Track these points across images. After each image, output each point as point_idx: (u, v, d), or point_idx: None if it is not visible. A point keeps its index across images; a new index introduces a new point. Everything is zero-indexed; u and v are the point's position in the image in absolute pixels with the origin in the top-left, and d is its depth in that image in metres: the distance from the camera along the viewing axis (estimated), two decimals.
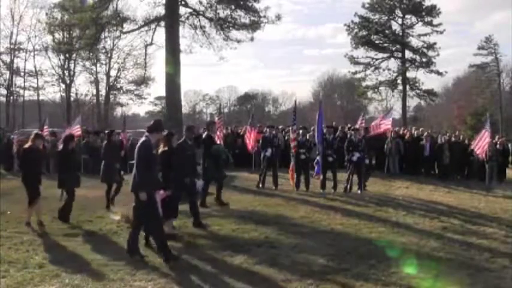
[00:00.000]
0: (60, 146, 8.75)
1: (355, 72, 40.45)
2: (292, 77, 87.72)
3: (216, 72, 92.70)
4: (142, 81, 40.74)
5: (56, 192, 9.13)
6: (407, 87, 39.24)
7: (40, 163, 8.42)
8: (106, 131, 11.64)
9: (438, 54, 38.12)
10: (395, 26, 39.15)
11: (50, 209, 9.45)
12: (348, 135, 14.10)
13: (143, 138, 5.97)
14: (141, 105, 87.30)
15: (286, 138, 15.91)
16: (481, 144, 14.27)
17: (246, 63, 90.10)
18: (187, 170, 7.61)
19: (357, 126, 15.30)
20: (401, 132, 18.07)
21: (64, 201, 8.49)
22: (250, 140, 16.02)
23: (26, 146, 8.16)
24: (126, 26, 19.04)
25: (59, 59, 41.63)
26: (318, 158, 11.84)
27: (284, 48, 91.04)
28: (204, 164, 9.69)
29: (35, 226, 7.80)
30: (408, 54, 39.15)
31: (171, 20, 17.02)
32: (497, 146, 15.73)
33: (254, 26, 18.51)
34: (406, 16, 38.59)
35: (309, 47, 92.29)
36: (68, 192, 8.49)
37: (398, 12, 38.72)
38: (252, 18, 18.44)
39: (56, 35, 35.48)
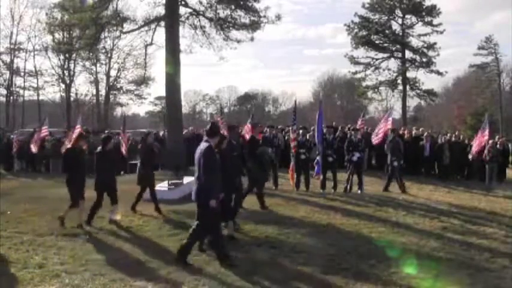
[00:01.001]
0: (99, 147, 8.36)
1: (355, 72, 40.47)
2: (292, 77, 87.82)
3: (216, 72, 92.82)
4: (142, 81, 40.77)
5: (54, 191, 9.13)
6: (407, 87, 39.24)
7: (84, 164, 8.06)
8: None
9: (438, 54, 38.15)
10: (396, 26, 39.19)
11: (50, 208, 9.49)
12: (348, 135, 14.11)
13: (205, 144, 5.76)
14: (141, 105, 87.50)
15: (286, 138, 15.90)
16: (477, 143, 14.37)
17: (246, 63, 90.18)
18: (236, 171, 7.37)
19: (357, 126, 15.29)
20: (401, 132, 18.06)
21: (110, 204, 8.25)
22: (247, 135, 16.02)
23: (69, 146, 7.92)
24: (126, 26, 19.11)
25: (59, 59, 41.66)
26: (318, 158, 11.83)
27: (284, 48, 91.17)
28: (247, 165, 9.11)
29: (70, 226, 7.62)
30: (408, 54, 39.16)
31: (171, 20, 17.05)
32: (498, 145, 15.72)
33: (254, 26, 18.54)
34: (406, 16, 38.59)
35: (309, 47, 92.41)
36: (109, 194, 8.28)
37: (398, 12, 38.72)
38: (252, 18, 18.48)
39: (56, 35, 35.53)
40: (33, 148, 16.38)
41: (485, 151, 14.45)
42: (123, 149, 16.52)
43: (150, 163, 9.49)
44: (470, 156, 14.89)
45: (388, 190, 12.06)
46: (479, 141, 14.33)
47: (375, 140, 15.06)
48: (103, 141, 8.38)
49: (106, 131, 23.63)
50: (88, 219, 7.99)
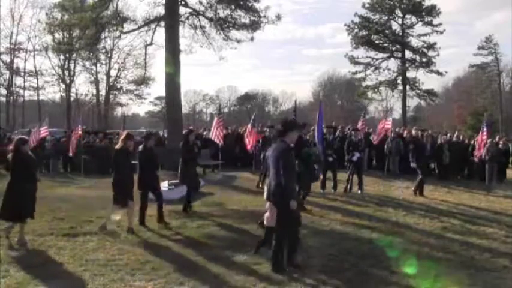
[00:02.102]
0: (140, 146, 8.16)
1: (355, 72, 40.52)
2: (292, 77, 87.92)
3: (216, 72, 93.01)
4: (142, 81, 40.81)
5: (54, 191, 9.12)
6: (407, 87, 39.27)
7: (131, 164, 7.88)
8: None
9: (438, 54, 38.20)
10: (396, 26, 39.23)
11: (50, 209, 9.48)
12: (348, 135, 14.11)
13: (280, 143, 5.63)
14: (141, 105, 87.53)
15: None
16: (479, 146, 14.45)
17: (246, 63, 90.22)
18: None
19: (358, 126, 15.30)
20: (401, 131, 18.06)
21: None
22: (250, 140, 16.04)
23: (117, 146, 7.80)
24: (126, 26, 19.14)
25: (59, 59, 41.74)
26: None
27: (283, 48, 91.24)
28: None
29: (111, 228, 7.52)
30: (408, 54, 39.21)
31: (171, 20, 17.06)
32: (500, 145, 15.72)
33: (254, 26, 18.56)
34: (406, 16, 38.62)
35: (308, 47, 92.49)
36: (154, 193, 8.22)
37: (398, 12, 38.75)
38: (252, 18, 18.50)
39: (56, 35, 35.55)
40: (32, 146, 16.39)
41: (484, 151, 14.46)
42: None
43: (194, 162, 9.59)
44: (475, 160, 14.90)
45: (423, 194, 11.71)
46: (481, 142, 14.39)
47: (375, 140, 15.08)
48: (145, 139, 8.23)
49: (106, 131, 23.69)
50: (140, 221, 7.91)
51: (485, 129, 14.60)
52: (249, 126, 16.21)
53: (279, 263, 5.54)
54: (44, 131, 16.63)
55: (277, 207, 5.58)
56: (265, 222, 6.00)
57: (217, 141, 15.59)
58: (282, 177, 5.44)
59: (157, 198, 8.20)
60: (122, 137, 7.97)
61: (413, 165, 11.93)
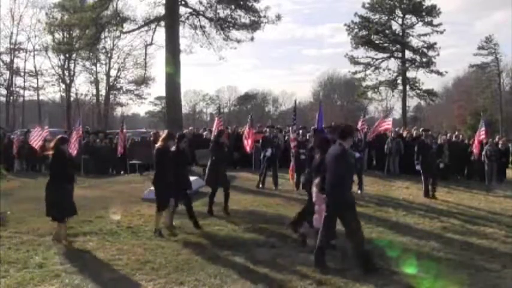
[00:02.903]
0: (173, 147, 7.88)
1: (355, 72, 40.51)
2: (292, 77, 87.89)
3: (216, 72, 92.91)
4: (142, 81, 40.82)
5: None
6: (407, 87, 39.27)
7: (171, 165, 7.66)
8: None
9: (438, 54, 38.19)
10: (396, 26, 39.21)
11: None
12: None
13: (339, 147, 5.72)
14: (141, 105, 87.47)
15: (286, 138, 15.91)
16: (476, 145, 14.49)
17: (246, 63, 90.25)
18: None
19: (358, 127, 15.29)
20: (401, 131, 18.06)
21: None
22: (249, 140, 16.03)
23: (158, 146, 7.65)
24: (126, 26, 19.12)
25: (59, 59, 41.76)
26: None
27: (284, 48, 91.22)
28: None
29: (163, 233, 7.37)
30: (408, 54, 39.20)
31: (171, 20, 17.05)
32: (500, 146, 15.72)
33: (254, 26, 18.56)
34: (406, 16, 38.61)
35: (308, 47, 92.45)
36: (183, 194, 8.08)
37: (398, 12, 38.75)
38: (252, 18, 18.49)
39: (56, 35, 35.58)
40: (36, 146, 16.54)
41: (484, 151, 14.46)
42: (120, 148, 16.56)
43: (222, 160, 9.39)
44: (472, 158, 14.92)
45: (434, 195, 11.51)
46: (477, 141, 14.45)
47: (369, 136, 15.08)
48: (178, 140, 8.03)
49: (106, 131, 23.68)
50: (169, 223, 7.77)
51: (482, 129, 14.60)
52: (247, 126, 16.23)
53: (368, 262, 5.57)
54: (45, 131, 16.73)
55: (335, 207, 5.62)
56: (314, 224, 6.02)
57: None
58: (342, 179, 5.58)
59: (186, 199, 8.03)
60: (162, 137, 7.82)
61: (418, 167, 11.80)
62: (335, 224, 5.78)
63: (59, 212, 6.83)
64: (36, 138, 16.60)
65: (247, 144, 15.91)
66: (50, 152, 6.94)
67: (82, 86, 55.29)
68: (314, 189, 5.97)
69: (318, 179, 6.01)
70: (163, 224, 7.59)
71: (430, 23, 37.81)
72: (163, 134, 8.17)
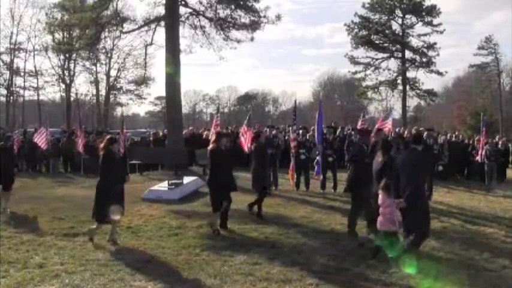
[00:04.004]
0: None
1: (355, 72, 40.49)
2: (292, 77, 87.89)
3: (216, 72, 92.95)
4: (142, 81, 40.78)
5: (54, 191, 9.11)
6: (407, 87, 39.26)
7: (226, 166, 7.70)
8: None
9: (438, 54, 38.17)
10: (396, 26, 39.19)
11: (50, 208, 9.49)
12: (348, 135, 14.12)
13: (415, 151, 5.94)
14: (141, 105, 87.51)
15: (286, 138, 15.92)
16: (480, 147, 14.45)
17: (245, 63, 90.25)
18: (368, 178, 7.01)
19: (358, 126, 15.30)
20: (401, 131, 18.05)
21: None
22: (246, 140, 16.02)
23: (211, 147, 7.65)
24: (126, 26, 19.11)
25: (59, 59, 41.71)
26: (318, 158, 11.84)
27: (283, 48, 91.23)
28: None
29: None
30: (408, 54, 39.18)
31: (171, 20, 17.05)
32: (500, 146, 15.71)
33: (254, 26, 18.55)
34: (406, 16, 38.60)
35: (308, 47, 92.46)
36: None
37: (398, 12, 38.73)
38: (252, 18, 18.49)
39: (56, 35, 35.55)
40: (43, 146, 16.67)
41: (484, 151, 14.45)
42: (121, 149, 16.54)
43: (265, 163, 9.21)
44: (477, 159, 14.86)
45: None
46: (481, 146, 14.40)
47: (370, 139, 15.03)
48: (217, 138, 7.98)
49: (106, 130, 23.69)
50: (222, 224, 7.74)
51: (483, 131, 14.60)
52: (244, 126, 16.23)
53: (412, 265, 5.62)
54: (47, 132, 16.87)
55: (413, 209, 5.67)
56: (378, 226, 6.02)
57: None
58: (419, 180, 5.72)
59: (229, 200, 7.95)
60: (213, 138, 7.78)
61: None
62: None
63: (105, 212, 6.78)
64: (42, 139, 16.69)
65: (245, 144, 15.90)
66: (100, 153, 6.92)
67: (82, 86, 55.34)
68: (380, 192, 5.99)
69: (383, 181, 6.02)
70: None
71: (430, 23, 37.81)
72: (214, 134, 8.04)
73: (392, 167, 6.03)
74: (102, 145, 7.03)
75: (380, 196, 5.98)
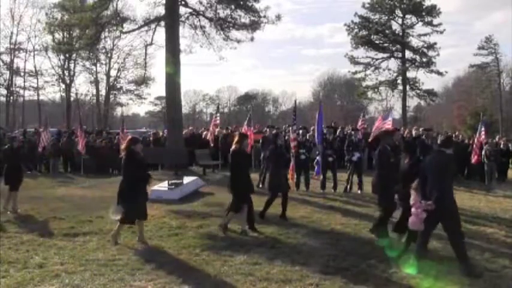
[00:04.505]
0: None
1: (355, 72, 40.52)
2: (292, 77, 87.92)
3: (216, 72, 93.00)
4: (142, 81, 40.79)
5: (54, 191, 9.10)
6: (407, 87, 39.29)
7: (248, 167, 7.67)
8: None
9: (438, 54, 38.22)
10: (396, 26, 39.24)
11: (50, 208, 9.49)
12: (348, 135, 14.11)
13: (442, 154, 5.88)
14: (141, 105, 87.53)
15: (286, 138, 15.92)
16: (476, 149, 14.43)
17: (245, 63, 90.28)
18: (392, 179, 7.00)
19: (358, 126, 15.30)
20: (401, 131, 18.04)
21: None
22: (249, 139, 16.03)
23: (234, 148, 7.56)
24: (126, 26, 19.11)
25: (59, 59, 41.73)
26: (318, 158, 11.84)
27: (283, 48, 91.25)
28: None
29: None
30: (408, 54, 39.22)
31: (171, 20, 17.05)
32: (501, 146, 15.71)
33: (254, 26, 18.54)
34: (406, 16, 38.63)
35: (307, 47, 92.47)
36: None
37: (398, 12, 38.76)
38: (252, 18, 18.48)
39: (56, 35, 35.55)
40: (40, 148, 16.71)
41: (484, 151, 14.46)
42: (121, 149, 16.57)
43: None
44: (473, 161, 14.86)
45: None
46: (477, 147, 14.39)
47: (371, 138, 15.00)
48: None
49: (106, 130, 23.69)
50: (251, 226, 7.64)
51: (482, 131, 14.59)
52: (245, 126, 16.26)
53: (469, 265, 5.61)
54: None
55: (440, 212, 5.64)
56: (410, 226, 5.99)
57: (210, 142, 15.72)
58: (447, 183, 5.69)
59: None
60: (236, 139, 7.69)
61: None
62: (432, 230, 5.92)
63: (133, 214, 6.76)
64: (45, 141, 16.74)
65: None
66: (122, 154, 6.89)
67: (82, 86, 55.39)
68: (413, 193, 5.99)
69: (416, 182, 5.99)
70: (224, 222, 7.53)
71: (430, 23, 37.83)
72: (237, 135, 8.00)
73: (420, 168, 6.04)
74: (124, 145, 6.99)
75: (412, 197, 5.96)
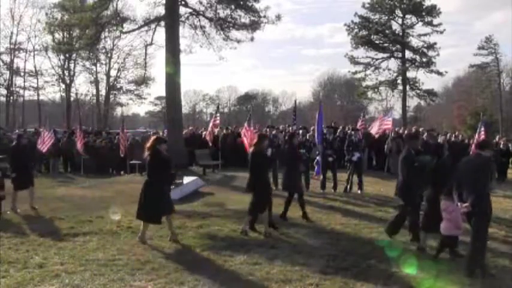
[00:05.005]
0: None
1: (355, 72, 40.48)
2: (292, 77, 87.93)
3: (216, 72, 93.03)
4: (142, 81, 40.77)
5: (54, 191, 9.10)
6: (407, 87, 39.26)
7: (267, 167, 7.67)
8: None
9: (438, 54, 38.17)
10: (396, 26, 39.19)
11: (50, 208, 9.49)
12: (348, 135, 14.11)
13: (482, 158, 5.84)
14: (141, 105, 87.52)
15: (286, 138, 15.91)
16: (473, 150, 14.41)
17: (245, 63, 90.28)
18: (418, 182, 7.01)
19: (358, 126, 15.30)
20: (401, 131, 18.06)
21: None
22: (248, 140, 16.04)
23: (253, 150, 7.57)
24: (126, 26, 19.10)
25: (59, 59, 41.70)
26: (318, 158, 11.84)
27: (283, 48, 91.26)
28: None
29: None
30: (408, 54, 39.18)
31: (171, 20, 17.04)
32: (501, 146, 15.71)
33: (254, 26, 18.53)
34: (406, 16, 38.60)
35: (308, 47, 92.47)
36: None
37: (398, 12, 38.72)
38: (252, 18, 18.47)
39: (56, 35, 35.52)
40: (44, 149, 16.66)
41: None
42: (121, 149, 16.56)
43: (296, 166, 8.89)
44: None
45: None
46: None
47: (376, 132, 14.96)
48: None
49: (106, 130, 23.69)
50: (271, 223, 7.68)
51: (482, 131, 14.59)
52: (245, 125, 16.24)
53: (482, 265, 5.58)
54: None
55: (477, 216, 5.59)
56: (442, 231, 6.01)
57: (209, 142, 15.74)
58: (485, 188, 5.65)
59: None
60: (255, 140, 7.70)
61: None
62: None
63: (156, 213, 6.76)
64: (46, 141, 16.70)
65: (246, 144, 15.91)
66: (147, 153, 6.88)
67: (82, 86, 55.29)
68: (444, 197, 5.96)
69: (447, 187, 5.99)
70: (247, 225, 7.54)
71: (430, 23, 37.80)
72: (257, 137, 8.02)
73: (454, 170, 6.00)
74: (148, 145, 6.98)
75: (443, 201, 5.94)
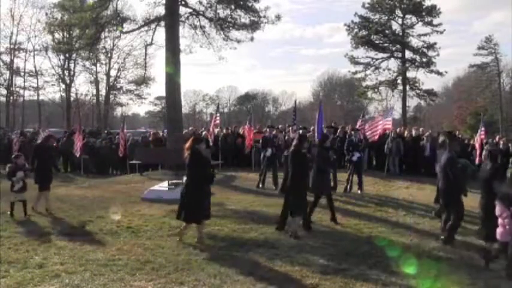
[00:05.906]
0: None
1: (355, 72, 40.42)
2: (292, 77, 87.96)
3: (216, 72, 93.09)
4: (142, 81, 40.77)
5: (54, 191, 9.08)
6: (407, 87, 39.21)
7: (307, 166, 7.59)
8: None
9: (438, 54, 38.11)
10: (396, 26, 39.14)
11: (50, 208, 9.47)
12: (348, 135, 14.11)
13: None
14: (141, 105, 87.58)
15: (286, 138, 15.91)
16: (479, 150, 14.39)
17: (245, 63, 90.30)
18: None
19: (357, 126, 15.29)
20: (401, 131, 18.06)
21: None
22: (247, 139, 16.08)
23: (293, 149, 7.46)
24: (126, 26, 19.09)
25: (59, 59, 41.68)
26: None
27: (283, 48, 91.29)
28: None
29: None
30: (408, 54, 39.12)
31: (171, 20, 17.04)
32: (501, 146, 15.67)
33: (254, 26, 18.54)
34: (406, 16, 38.56)
35: (307, 47, 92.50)
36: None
37: (398, 12, 38.68)
38: (252, 18, 18.48)
39: (56, 35, 35.53)
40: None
41: (484, 151, 14.42)
42: (120, 149, 16.57)
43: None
44: (472, 157, 14.81)
45: None
46: (478, 147, 14.34)
47: (372, 136, 14.94)
48: (299, 140, 7.68)
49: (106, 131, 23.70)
50: (307, 224, 7.69)
51: (483, 131, 14.57)
52: (247, 125, 16.25)
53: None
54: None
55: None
56: (498, 237, 5.91)
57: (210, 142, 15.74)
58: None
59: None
60: (296, 140, 7.65)
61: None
62: None
63: (198, 213, 6.76)
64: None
65: (246, 142, 15.95)
66: (186, 153, 6.89)
67: (82, 86, 55.48)
68: (498, 202, 5.90)
69: (501, 192, 5.91)
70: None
71: (430, 23, 37.77)
72: (297, 136, 7.96)
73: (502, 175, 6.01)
74: (187, 145, 7.00)
75: (497, 207, 5.85)
